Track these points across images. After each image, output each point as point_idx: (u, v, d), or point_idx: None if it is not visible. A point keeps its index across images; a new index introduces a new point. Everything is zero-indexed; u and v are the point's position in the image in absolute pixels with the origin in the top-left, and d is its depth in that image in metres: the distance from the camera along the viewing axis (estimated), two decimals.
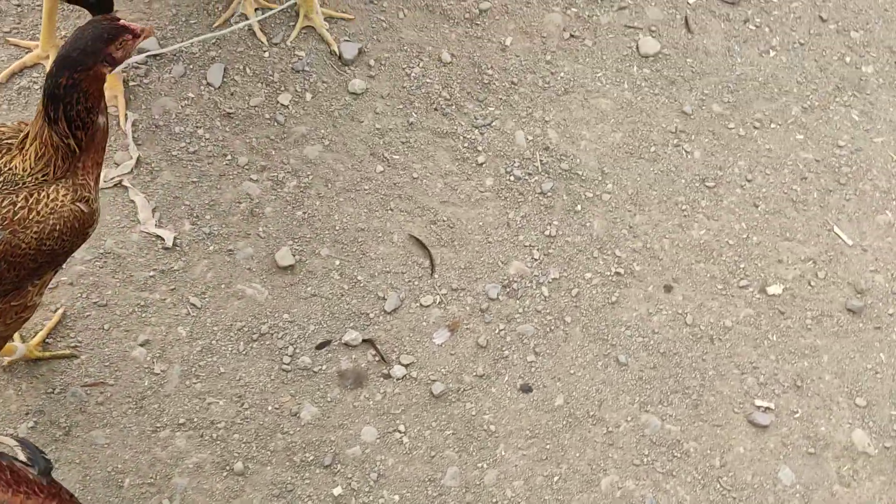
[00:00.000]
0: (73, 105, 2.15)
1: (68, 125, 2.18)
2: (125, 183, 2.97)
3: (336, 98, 3.28)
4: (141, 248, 2.88)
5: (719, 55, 3.55)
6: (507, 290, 2.94)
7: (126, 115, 3.09)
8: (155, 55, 3.17)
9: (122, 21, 2.12)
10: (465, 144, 3.24)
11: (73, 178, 2.30)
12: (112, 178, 2.99)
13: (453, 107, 3.31)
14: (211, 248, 2.93)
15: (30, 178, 2.27)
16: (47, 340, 2.65)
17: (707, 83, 3.47)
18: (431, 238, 3.03)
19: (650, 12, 3.63)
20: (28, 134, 2.27)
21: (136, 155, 3.04)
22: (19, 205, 2.23)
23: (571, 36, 3.53)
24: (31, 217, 2.21)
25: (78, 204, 2.28)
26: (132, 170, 3.02)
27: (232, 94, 3.21)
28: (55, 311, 2.69)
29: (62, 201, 2.25)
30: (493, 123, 3.29)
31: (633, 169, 3.27)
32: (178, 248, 2.90)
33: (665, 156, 3.31)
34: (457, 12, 3.53)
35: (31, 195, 2.23)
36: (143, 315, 2.76)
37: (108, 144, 3.06)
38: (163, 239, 2.90)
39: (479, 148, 3.23)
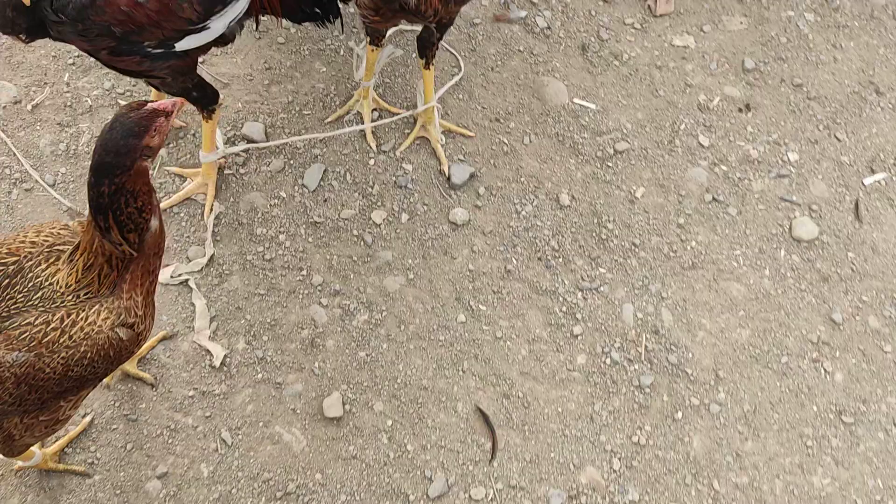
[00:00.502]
0: (123, 209, 1.90)
1: (120, 231, 1.94)
2: (191, 283, 2.73)
3: (433, 225, 2.92)
4: (188, 361, 2.63)
5: (889, 255, 2.93)
6: (573, 503, 2.48)
7: (212, 207, 2.86)
8: (259, 147, 2.90)
9: (149, 106, 1.85)
10: (564, 308, 2.80)
11: (119, 295, 2.06)
12: (180, 275, 2.76)
13: (560, 259, 2.88)
14: (259, 375, 2.63)
15: (70, 297, 2.05)
16: (66, 449, 2.44)
17: (867, 288, 2.87)
18: (500, 415, 2.62)
19: (815, 187, 3.06)
20: (79, 245, 2.04)
21: (211, 253, 2.79)
22: (52, 325, 2.00)
23: (714, 199, 3.02)
24: (61, 341, 1.96)
25: (117, 330, 2.02)
26: (202, 269, 2.78)
27: (325, 201, 2.91)
28: (83, 416, 2.48)
29: (100, 326, 1.99)
30: (601, 288, 2.84)
31: (755, 379, 2.73)
32: (225, 369, 2.62)
33: (798, 371, 2.74)
34: (588, 148, 3.09)
35: (68, 316, 2.00)
36: (171, 441, 2.50)
37: (187, 235, 2.85)
38: (212, 355, 2.63)
39: (578, 315, 2.79)
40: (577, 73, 3.07)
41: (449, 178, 2.83)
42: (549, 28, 3.15)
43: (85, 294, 1.96)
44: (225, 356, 2.50)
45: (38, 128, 2.81)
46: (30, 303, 1.97)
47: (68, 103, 2.87)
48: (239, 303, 2.59)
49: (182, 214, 2.71)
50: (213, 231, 2.68)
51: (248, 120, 2.88)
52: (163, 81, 2.34)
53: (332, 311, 2.61)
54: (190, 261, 2.64)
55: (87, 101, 2.89)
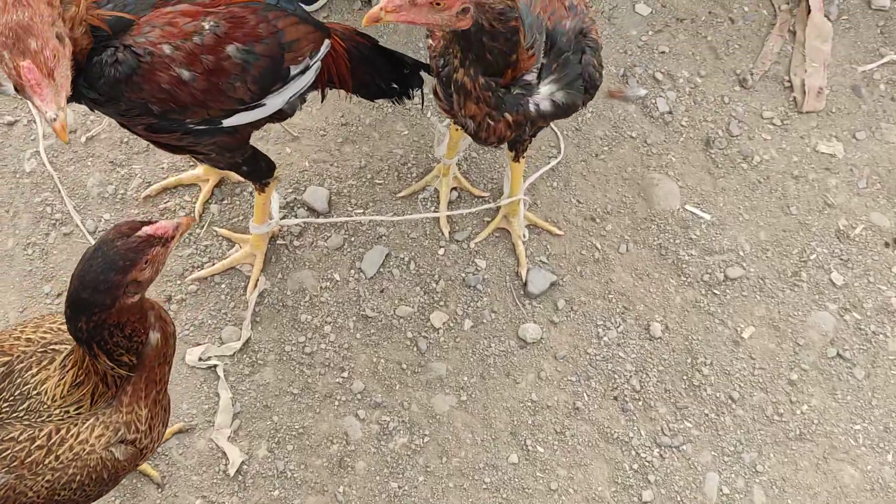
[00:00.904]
0: (108, 340, 1.61)
1: (109, 357, 1.65)
2: (219, 370, 2.43)
3: (499, 339, 2.52)
4: (201, 463, 2.33)
5: None
6: None
7: (257, 282, 2.53)
8: (316, 222, 2.56)
9: (143, 230, 1.47)
10: (636, 465, 2.36)
11: (119, 409, 1.77)
12: (209, 358, 2.46)
13: (640, 403, 2.43)
14: (276, 492, 2.31)
15: (58, 411, 1.77)
16: None
17: None
18: None
19: None
20: (72, 351, 1.76)
21: (247, 336, 2.48)
22: (37, 443, 1.73)
23: (839, 355, 2.50)
24: (46, 462, 1.69)
25: (112, 450, 1.75)
26: (234, 354, 2.48)
27: (381, 292, 2.55)
28: None
29: (92, 445, 1.70)
30: (684, 447, 2.38)
31: None
32: (239, 478, 2.32)
33: None
34: (694, 268, 2.61)
35: (57, 432, 1.72)
36: None
37: (224, 311, 2.53)
38: (228, 460, 2.33)
39: (651, 477, 2.35)
40: (694, 173, 2.58)
41: (525, 285, 2.42)
42: (670, 113, 2.67)
43: (76, 409, 1.67)
44: (242, 463, 2.19)
45: (88, 164, 2.54)
46: (15, 414, 1.68)
47: (125, 139, 2.58)
48: (268, 400, 2.27)
49: (223, 286, 2.39)
50: (254, 311, 2.36)
51: (313, 183, 2.53)
52: (207, 157, 2.00)
53: (368, 427, 2.25)
54: (223, 343, 2.33)
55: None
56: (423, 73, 2.23)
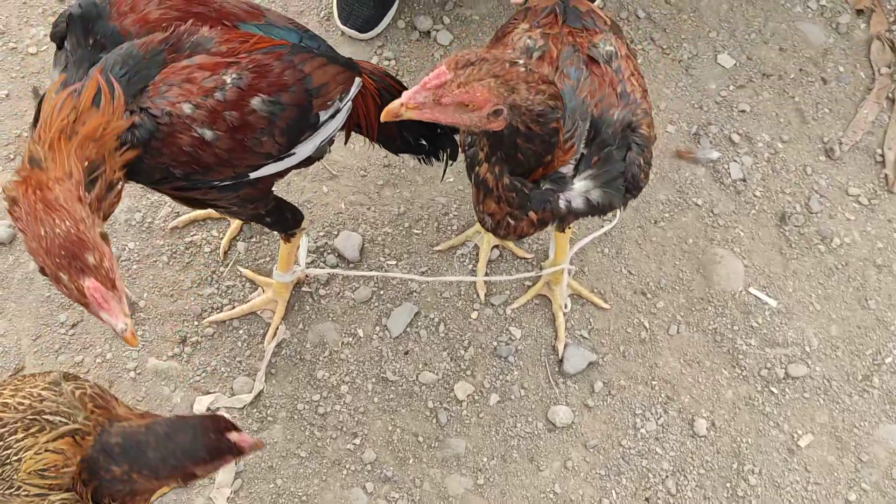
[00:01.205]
0: (111, 495, 1.52)
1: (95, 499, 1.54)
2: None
3: (526, 419, 2.30)
4: None
5: None
6: None
7: (276, 331, 2.39)
8: (345, 273, 2.38)
9: (235, 436, 1.40)
10: None
11: None
12: (218, 408, 2.33)
13: None
14: None
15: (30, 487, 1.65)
16: None
17: None
18: None
19: None
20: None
21: (260, 389, 2.33)
22: None
23: None
24: None
25: None
26: (244, 407, 2.34)
27: (405, 353, 2.37)
28: None
29: None
30: None
31: None
32: None
33: None
34: (751, 361, 2.34)
35: None
36: None
37: (239, 358, 2.39)
38: None
39: None
40: (763, 252, 2.31)
41: (561, 362, 2.20)
42: (743, 181, 2.40)
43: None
44: None
45: None
46: None
47: None
48: (274, 461, 2.12)
49: (241, 331, 2.25)
50: (270, 362, 2.21)
51: (347, 227, 2.37)
52: (227, 210, 1.85)
53: (375, 502, 2.08)
54: (233, 394, 2.20)
55: None
56: (458, 137, 2.03)
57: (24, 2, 2.67)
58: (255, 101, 1.60)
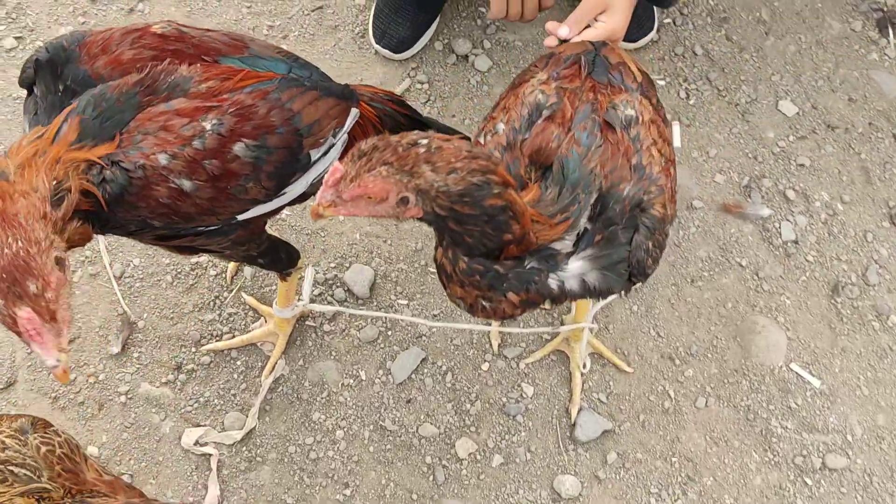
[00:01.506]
0: None
1: None
2: (213, 462, 2.17)
3: (529, 486, 2.12)
4: None
5: None
6: None
7: (275, 366, 2.25)
8: (349, 312, 2.23)
9: None
10: None
11: None
12: (206, 444, 2.21)
13: None
14: None
15: None
16: None
17: None
18: None
19: None
20: None
21: (252, 426, 2.21)
22: None
23: None
24: None
25: None
26: (234, 444, 2.21)
27: (408, 402, 2.21)
28: None
29: None
30: None
31: None
32: None
33: None
34: (786, 445, 2.10)
35: None
36: None
37: (234, 391, 2.26)
38: None
39: None
40: (810, 325, 2.08)
41: (574, 426, 2.02)
42: (795, 243, 2.16)
43: None
44: None
45: None
46: None
47: None
48: None
49: (239, 363, 2.13)
50: (265, 398, 2.08)
51: (360, 260, 2.22)
52: (219, 255, 1.72)
53: None
54: (224, 430, 2.07)
55: None
56: None
57: None
58: (238, 147, 1.45)
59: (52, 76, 1.50)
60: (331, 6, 2.60)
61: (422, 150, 1.20)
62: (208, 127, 1.44)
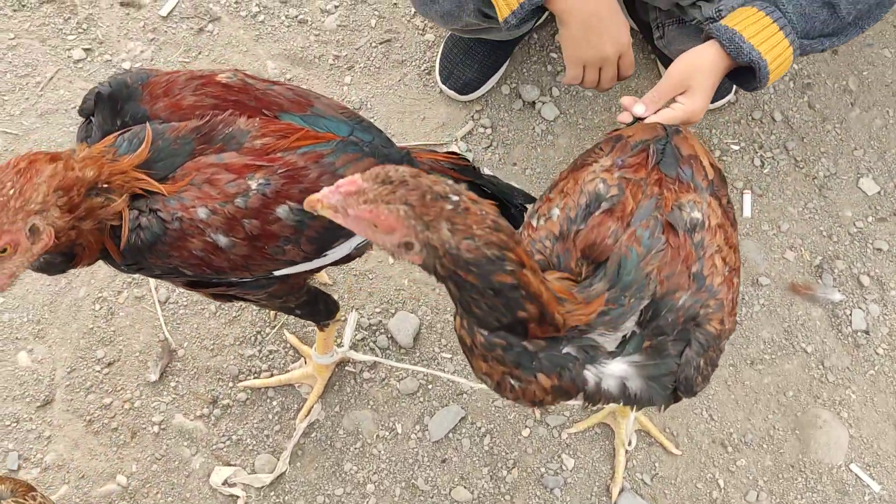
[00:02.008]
0: None
1: None
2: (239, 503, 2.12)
3: None
4: None
5: None
6: None
7: (311, 410, 2.19)
8: (388, 363, 2.16)
9: None
10: None
11: None
12: (234, 485, 2.16)
13: None
14: None
15: None
16: None
17: None
18: None
19: None
20: None
21: (283, 471, 2.15)
22: None
23: None
24: None
25: None
26: (263, 488, 2.16)
27: (442, 462, 2.13)
28: None
29: None
30: None
31: None
32: None
33: None
34: None
35: None
36: None
37: (267, 432, 2.21)
38: None
39: None
40: (876, 423, 1.95)
41: None
42: (866, 333, 2.03)
43: None
44: None
45: None
46: None
47: None
48: None
49: (275, 403, 2.08)
50: (298, 442, 2.02)
51: (406, 307, 2.16)
52: (256, 304, 1.67)
53: None
54: (254, 472, 2.01)
55: None
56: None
57: (127, 13, 2.57)
58: (282, 210, 1.39)
59: (112, 111, 1.47)
60: (399, 40, 2.54)
61: (448, 206, 1.11)
62: (254, 186, 1.39)
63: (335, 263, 1.70)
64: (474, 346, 1.24)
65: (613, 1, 1.74)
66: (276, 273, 1.59)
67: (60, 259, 1.42)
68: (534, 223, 1.42)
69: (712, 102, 2.37)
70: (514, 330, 1.21)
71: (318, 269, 1.68)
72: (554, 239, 1.36)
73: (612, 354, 1.26)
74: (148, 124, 1.42)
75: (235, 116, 1.44)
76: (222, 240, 1.39)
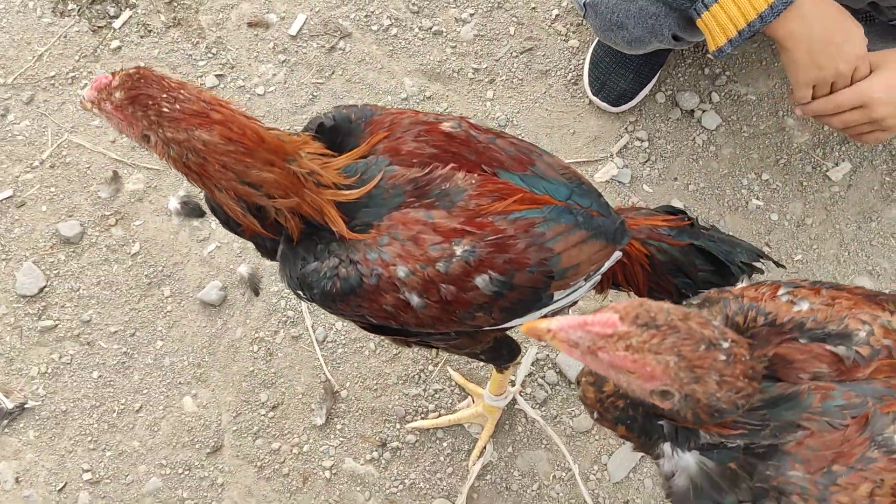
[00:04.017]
0: None
1: None
2: None
3: None
4: None
5: None
6: None
7: (483, 451, 2.14)
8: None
9: None
10: None
11: None
12: None
13: None
14: None
15: None
16: None
17: None
18: None
19: None
20: None
21: None
22: None
23: None
24: None
25: None
26: None
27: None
28: None
29: None
30: None
31: None
32: None
33: None
34: None
35: None
36: None
37: (440, 475, 2.17)
38: None
39: None
40: None
41: None
42: None
43: None
44: None
45: None
46: None
47: None
48: None
49: (445, 444, 2.05)
50: (473, 485, 1.98)
51: None
52: (439, 349, 1.62)
53: None
54: None
55: None
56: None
57: (256, 34, 2.49)
58: (481, 280, 1.33)
59: (331, 144, 1.44)
60: (541, 48, 2.41)
61: (721, 357, 1.04)
62: (458, 252, 1.33)
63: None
64: (603, 397, 1.22)
65: (842, 16, 1.59)
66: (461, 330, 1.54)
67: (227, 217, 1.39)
68: (779, 294, 1.30)
69: None
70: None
71: (506, 330, 1.61)
72: (774, 324, 1.26)
73: (702, 447, 1.18)
74: (385, 167, 1.37)
75: (455, 171, 1.37)
76: (415, 300, 1.35)
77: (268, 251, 1.49)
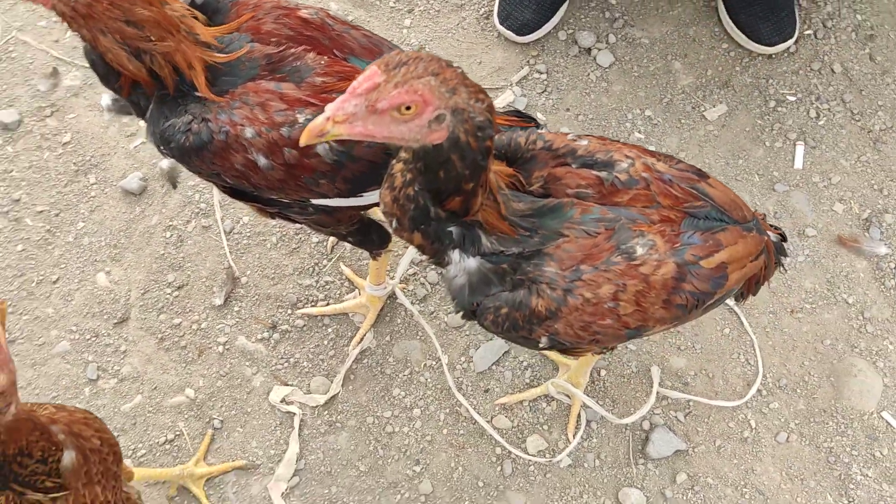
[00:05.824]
0: (22, 472, 1.42)
1: (35, 489, 1.51)
2: (295, 420, 2.31)
3: (594, 493, 2.15)
4: None
5: None
6: None
7: (363, 338, 2.36)
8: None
9: None
10: None
11: None
12: (290, 403, 2.35)
13: None
14: None
15: None
16: None
17: None
18: None
19: None
20: None
21: (336, 392, 2.33)
22: None
23: None
24: None
25: None
26: (317, 407, 2.34)
27: (485, 392, 2.27)
28: None
29: None
30: None
31: None
32: None
33: None
34: (863, 493, 2.05)
35: None
36: None
37: (322, 356, 2.40)
38: None
39: None
40: None
41: (646, 441, 2.05)
42: None
43: None
44: None
45: None
46: None
47: None
48: (333, 467, 2.15)
49: (330, 330, 2.27)
50: (351, 367, 2.21)
51: None
52: (309, 226, 1.82)
53: None
54: (309, 392, 2.21)
55: None
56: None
57: None
58: (322, 147, 1.52)
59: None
60: None
61: (458, 70, 1.20)
62: (301, 120, 1.52)
63: (373, 206, 1.83)
64: (399, 191, 1.35)
65: None
66: (314, 202, 1.72)
67: (107, 70, 1.55)
68: (568, 135, 1.51)
69: (773, 45, 2.39)
70: (438, 197, 1.32)
71: (361, 208, 1.81)
72: (551, 149, 1.46)
73: (479, 254, 1.38)
74: (246, 42, 1.55)
75: (307, 52, 1.57)
76: (262, 161, 1.53)
77: (141, 110, 1.68)
